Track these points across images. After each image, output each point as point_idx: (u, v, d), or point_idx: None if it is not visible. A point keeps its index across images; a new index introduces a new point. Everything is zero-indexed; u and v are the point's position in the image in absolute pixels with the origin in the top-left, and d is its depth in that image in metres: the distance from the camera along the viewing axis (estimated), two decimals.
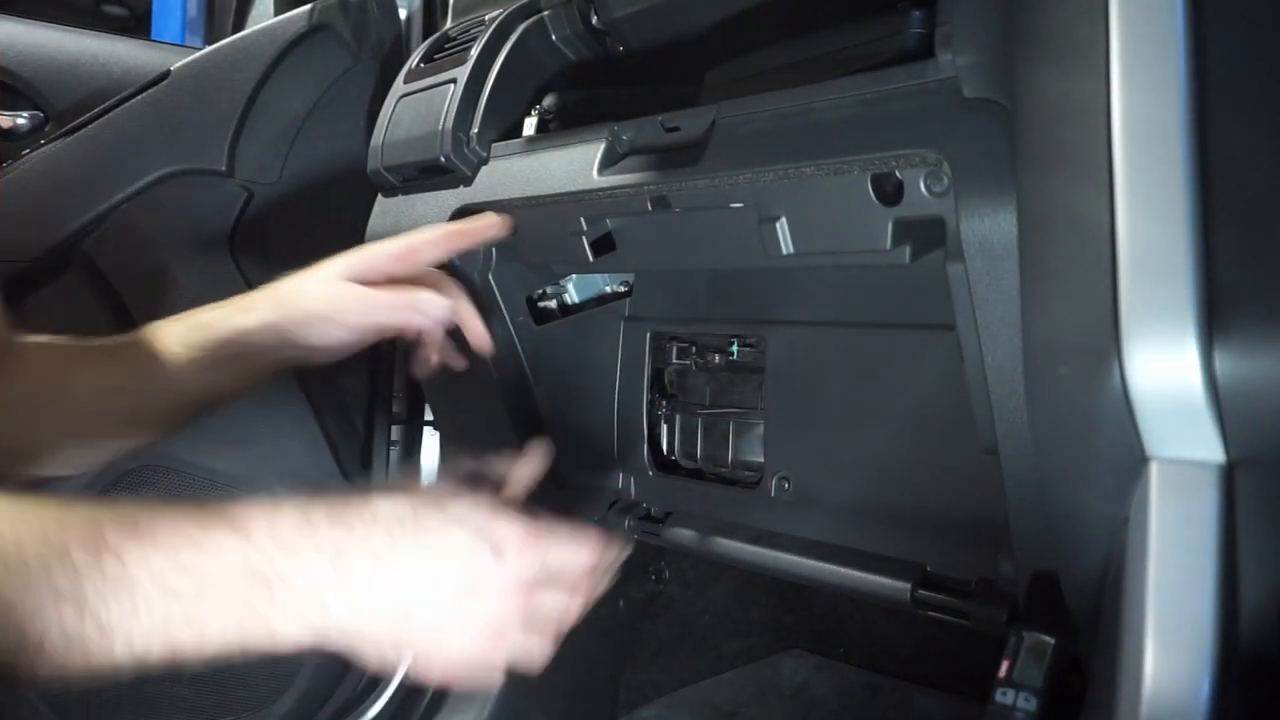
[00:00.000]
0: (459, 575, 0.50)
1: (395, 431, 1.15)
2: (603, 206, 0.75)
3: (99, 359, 0.71)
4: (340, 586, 0.47)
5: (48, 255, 1.00)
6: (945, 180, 0.55)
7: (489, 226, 0.79)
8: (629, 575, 1.21)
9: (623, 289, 0.98)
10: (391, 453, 1.14)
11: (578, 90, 0.86)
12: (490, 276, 0.87)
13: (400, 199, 0.92)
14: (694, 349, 0.94)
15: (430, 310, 0.76)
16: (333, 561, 0.47)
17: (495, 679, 0.54)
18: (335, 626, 0.47)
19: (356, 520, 0.49)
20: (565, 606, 0.58)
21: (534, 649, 0.56)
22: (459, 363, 0.83)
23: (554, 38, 0.87)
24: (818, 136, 0.59)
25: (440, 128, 0.83)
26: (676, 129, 0.69)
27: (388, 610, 0.49)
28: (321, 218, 1.13)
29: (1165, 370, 0.41)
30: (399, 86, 0.93)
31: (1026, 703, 0.52)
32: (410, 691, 1.16)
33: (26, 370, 0.69)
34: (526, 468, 0.68)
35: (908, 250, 0.61)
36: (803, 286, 0.84)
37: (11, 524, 0.42)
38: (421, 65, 0.92)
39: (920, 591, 0.72)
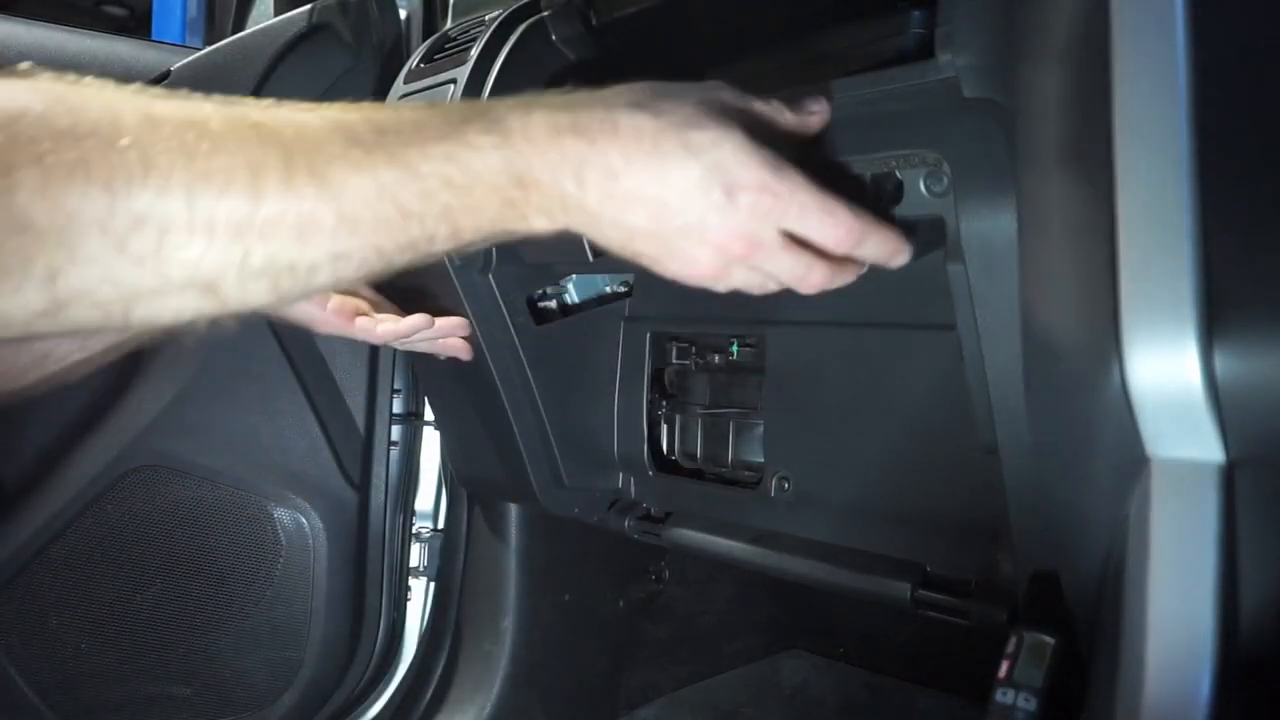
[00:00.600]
0: (681, 211, 0.49)
1: (395, 431, 1.15)
2: None
3: None
4: (579, 197, 0.48)
5: None
6: (945, 180, 0.55)
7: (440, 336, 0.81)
8: (629, 575, 1.21)
9: (623, 289, 0.98)
10: (392, 453, 1.14)
11: (578, 90, 0.86)
12: (490, 276, 0.87)
13: None
14: (694, 349, 0.95)
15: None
16: (574, 172, 0.48)
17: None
18: (575, 225, 0.49)
19: (599, 132, 0.48)
20: (802, 273, 0.53)
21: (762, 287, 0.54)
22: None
23: (554, 38, 0.87)
24: (817, 137, 0.59)
25: None
26: None
27: (617, 225, 0.49)
28: None
29: (1165, 370, 0.41)
30: (399, 87, 0.93)
31: (1026, 703, 0.52)
32: (410, 691, 1.16)
33: None
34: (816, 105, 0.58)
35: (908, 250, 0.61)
36: None
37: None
38: (421, 65, 0.92)
39: (920, 591, 0.72)
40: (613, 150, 0.48)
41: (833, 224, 0.51)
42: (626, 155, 0.48)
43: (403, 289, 0.96)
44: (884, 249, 0.54)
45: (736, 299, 0.90)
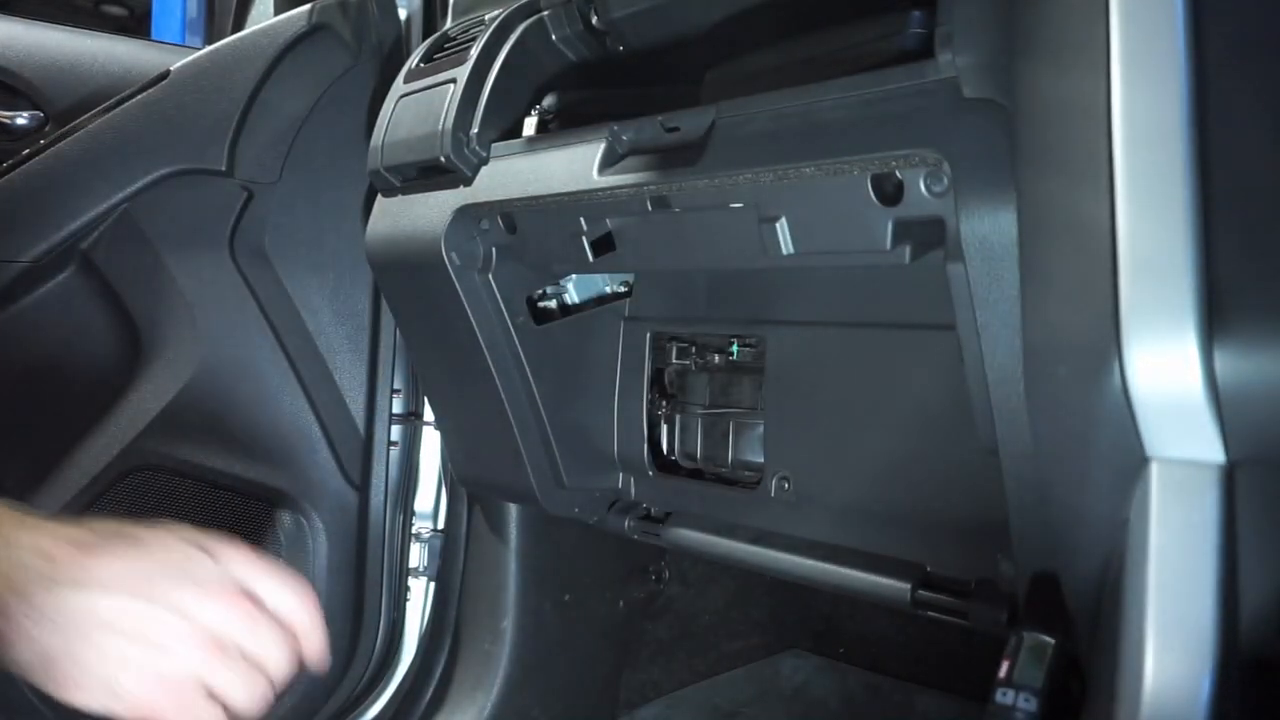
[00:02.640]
0: (170, 570, 0.46)
1: (395, 431, 1.15)
2: (603, 206, 0.75)
3: None
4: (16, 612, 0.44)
5: (47, 255, 1.00)
6: (945, 180, 0.55)
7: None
8: (629, 575, 1.21)
9: (623, 289, 0.98)
10: (392, 453, 1.14)
11: (578, 90, 0.86)
12: (490, 276, 0.87)
13: (400, 199, 0.91)
14: (694, 349, 0.94)
15: None
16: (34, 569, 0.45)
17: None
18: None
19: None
20: (274, 655, 0.52)
21: (247, 687, 0.51)
22: None
23: (554, 38, 0.87)
24: (818, 136, 0.59)
25: (440, 128, 0.83)
26: (676, 129, 0.69)
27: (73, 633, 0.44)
28: (321, 218, 1.12)
29: (1165, 370, 0.41)
30: (399, 86, 0.93)
31: (1026, 703, 0.52)
32: (410, 691, 1.16)
33: None
34: None
35: (908, 250, 0.61)
36: (803, 286, 0.84)
37: None
38: (421, 65, 0.92)
39: (920, 592, 0.72)
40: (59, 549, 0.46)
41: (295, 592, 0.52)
42: (50, 558, 0.46)
43: (403, 290, 0.96)
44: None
45: (736, 299, 0.90)
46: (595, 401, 0.97)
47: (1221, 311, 0.39)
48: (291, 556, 1.08)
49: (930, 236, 0.60)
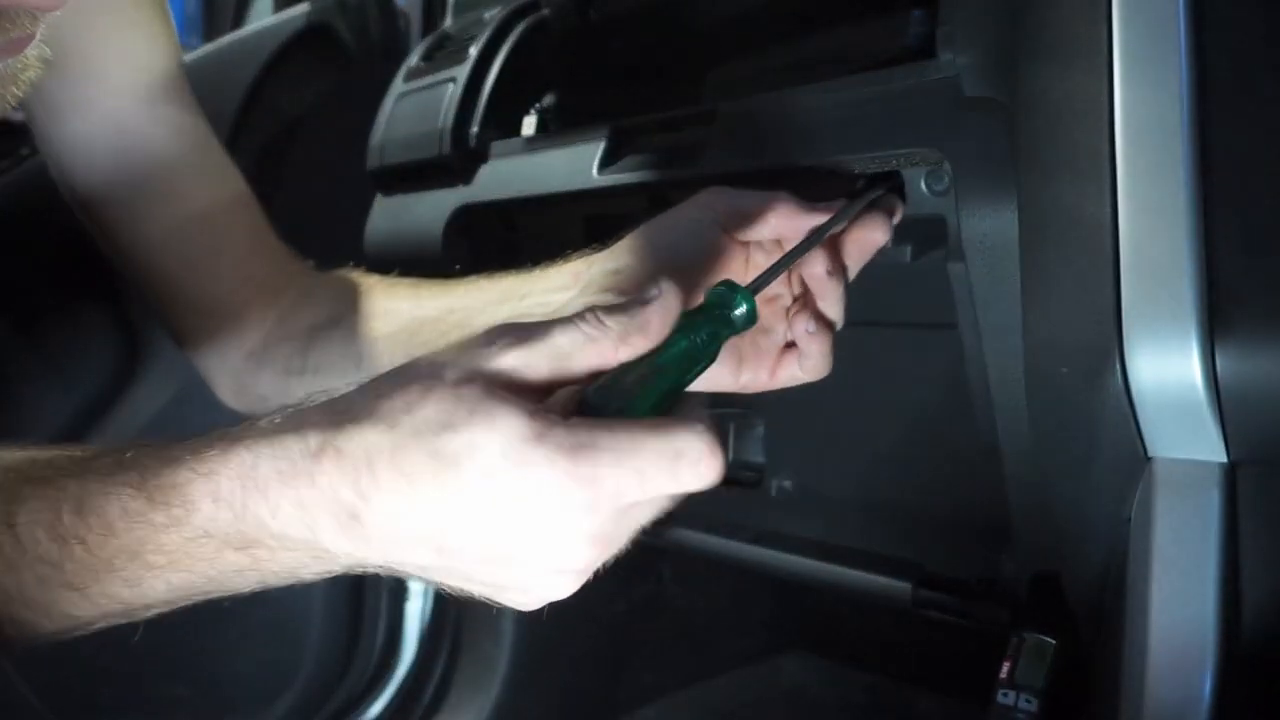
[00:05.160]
0: (475, 543, 0.36)
1: None
2: (603, 206, 0.75)
3: (411, 286, 0.69)
4: (322, 542, 0.37)
5: (47, 255, 1.00)
6: (946, 179, 0.55)
7: None
8: (629, 575, 1.21)
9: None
10: None
11: (578, 90, 0.86)
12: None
13: (400, 198, 0.91)
14: None
15: None
16: (302, 520, 0.36)
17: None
18: (350, 567, 0.38)
19: (315, 464, 0.36)
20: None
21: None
22: None
23: (554, 37, 0.87)
24: (818, 135, 0.59)
25: (440, 126, 0.83)
26: (676, 128, 0.69)
27: (403, 566, 0.37)
28: (322, 217, 1.12)
29: (1167, 370, 0.41)
30: (398, 85, 0.93)
31: (1028, 704, 0.52)
32: (410, 691, 1.16)
33: (341, 285, 0.71)
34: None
35: (908, 249, 0.61)
36: None
37: None
38: (421, 64, 0.92)
39: (921, 591, 0.72)
40: (341, 488, 0.36)
41: (682, 467, 0.35)
42: (360, 490, 0.35)
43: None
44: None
45: None
46: None
47: (1223, 311, 0.39)
48: None
49: (931, 235, 0.60)
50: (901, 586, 0.72)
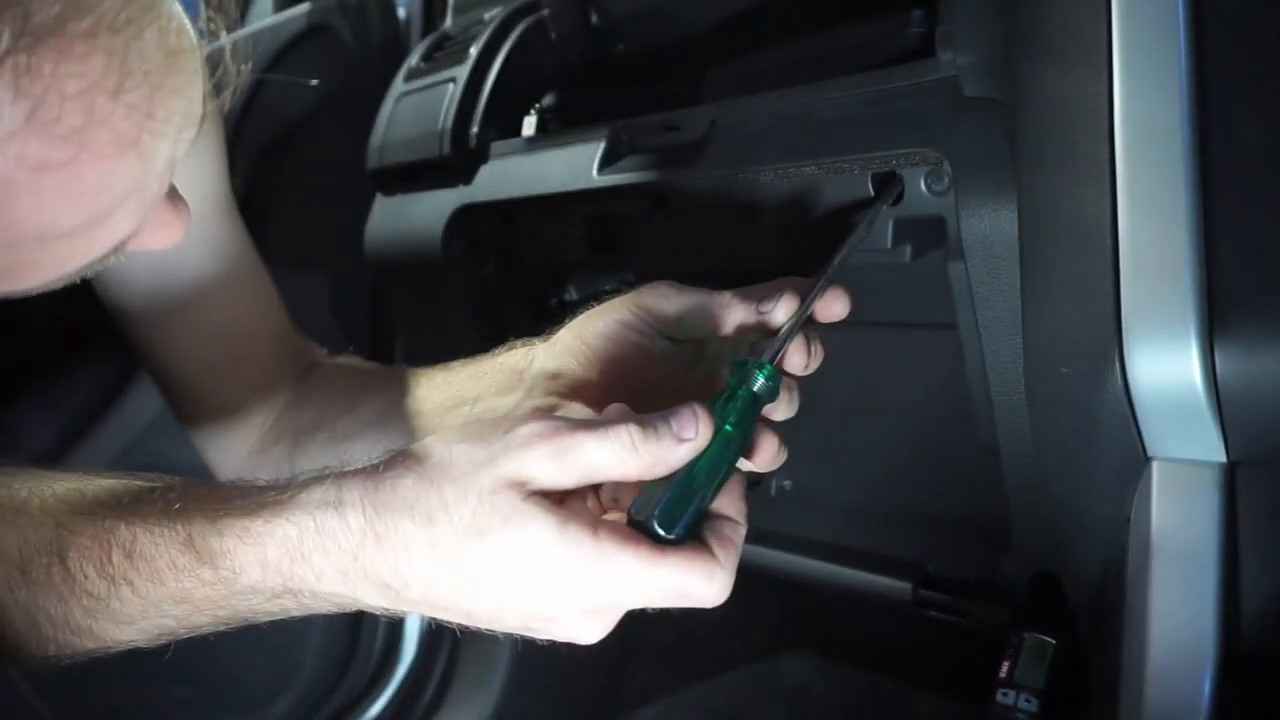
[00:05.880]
0: (505, 595, 0.40)
1: None
2: (603, 206, 0.75)
3: (382, 384, 0.71)
4: (367, 604, 0.42)
5: None
6: (946, 179, 0.55)
7: None
8: None
9: (623, 288, 0.98)
10: None
11: (578, 90, 0.86)
12: (490, 276, 0.87)
13: (400, 198, 0.91)
14: None
15: None
16: (347, 594, 0.41)
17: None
18: (399, 611, 0.43)
19: (359, 551, 0.40)
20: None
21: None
22: None
23: (554, 37, 0.87)
24: (818, 136, 0.59)
25: (440, 127, 0.83)
26: (676, 129, 0.69)
27: (443, 616, 0.43)
28: (322, 218, 1.12)
29: (1166, 370, 0.41)
30: (398, 85, 0.93)
31: (1027, 703, 0.52)
32: (410, 691, 1.16)
33: (326, 386, 0.73)
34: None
35: (908, 250, 0.61)
36: None
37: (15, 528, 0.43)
38: (421, 64, 0.92)
39: (921, 591, 0.72)
40: (381, 568, 0.40)
41: (678, 602, 0.40)
42: (398, 573, 0.40)
43: (403, 290, 0.96)
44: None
45: None
46: None
47: (1222, 311, 0.39)
48: None
49: (931, 236, 0.60)
50: (902, 586, 0.72)
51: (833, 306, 0.50)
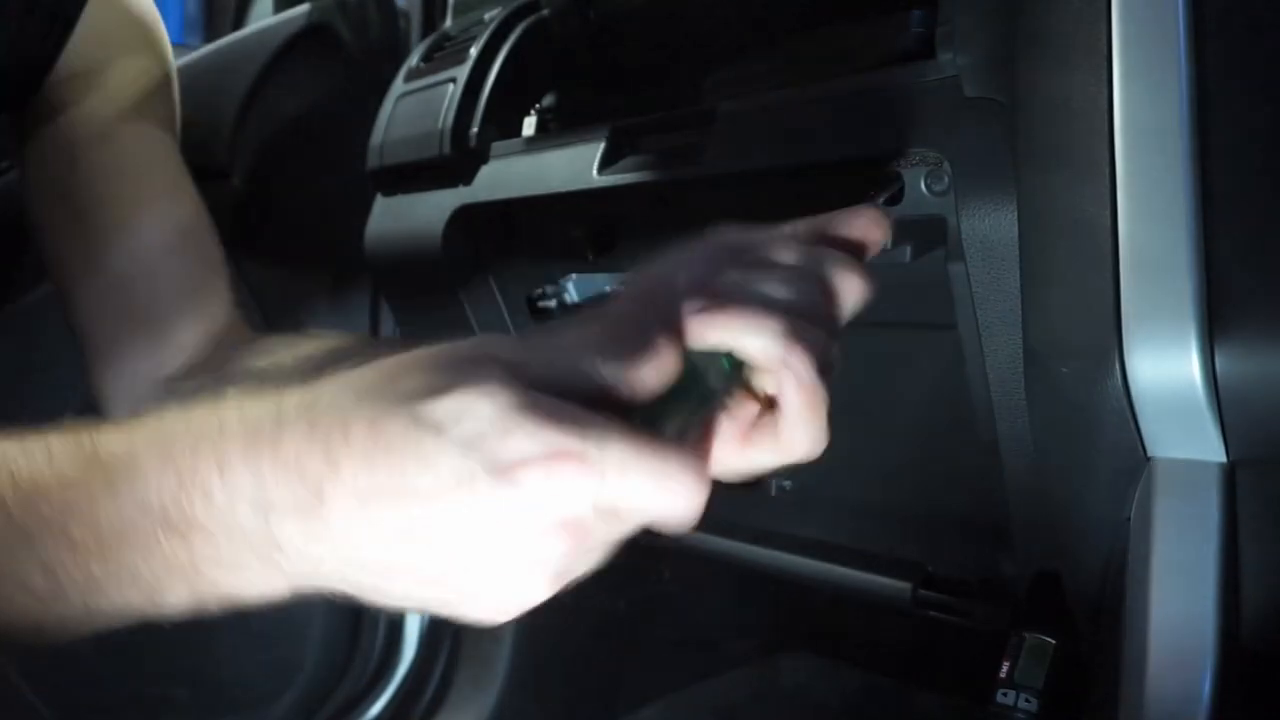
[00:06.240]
0: (440, 524, 0.31)
1: None
2: (603, 206, 0.75)
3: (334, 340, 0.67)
4: (270, 533, 0.32)
5: (37, 258, 1.00)
6: (946, 179, 0.55)
7: None
8: (629, 575, 1.21)
9: (623, 288, 0.98)
10: None
11: (578, 90, 0.86)
12: (490, 276, 0.87)
13: (400, 198, 0.91)
14: None
15: None
16: (252, 497, 0.32)
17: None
18: (297, 579, 0.34)
19: (285, 434, 0.32)
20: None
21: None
22: None
23: (554, 38, 0.87)
24: (818, 135, 0.59)
25: (440, 127, 0.83)
26: (676, 129, 0.69)
27: (355, 567, 0.33)
28: (321, 218, 1.12)
29: (1166, 370, 0.41)
30: (398, 85, 0.93)
31: (1027, 703, 0.52)
32: (410, 691, 1.16)
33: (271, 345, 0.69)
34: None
35: (908, 250, 0.61)
36: None
37: None
38: (421, 64, 0.92)
39: (921, 591, 0.72)
40: (308, 456, 0.32)
41: (666, 482, 0.32)
42: (330, 458, 0.31)
43: (403, 290, 0.96)
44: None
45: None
46: None
47: (1222, 311, 0.39)
48: None
49: (931, 236, 0.60)
50: (902, 586, 0.72)
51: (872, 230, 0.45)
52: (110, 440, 0.35)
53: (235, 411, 0.33)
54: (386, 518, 0.32)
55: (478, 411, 0.31)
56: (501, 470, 0.31)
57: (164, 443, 0.33)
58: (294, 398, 0.33)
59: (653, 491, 0.32)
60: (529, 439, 0.31)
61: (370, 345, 0.64)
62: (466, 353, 0.33)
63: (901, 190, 0.57)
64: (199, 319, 0.70)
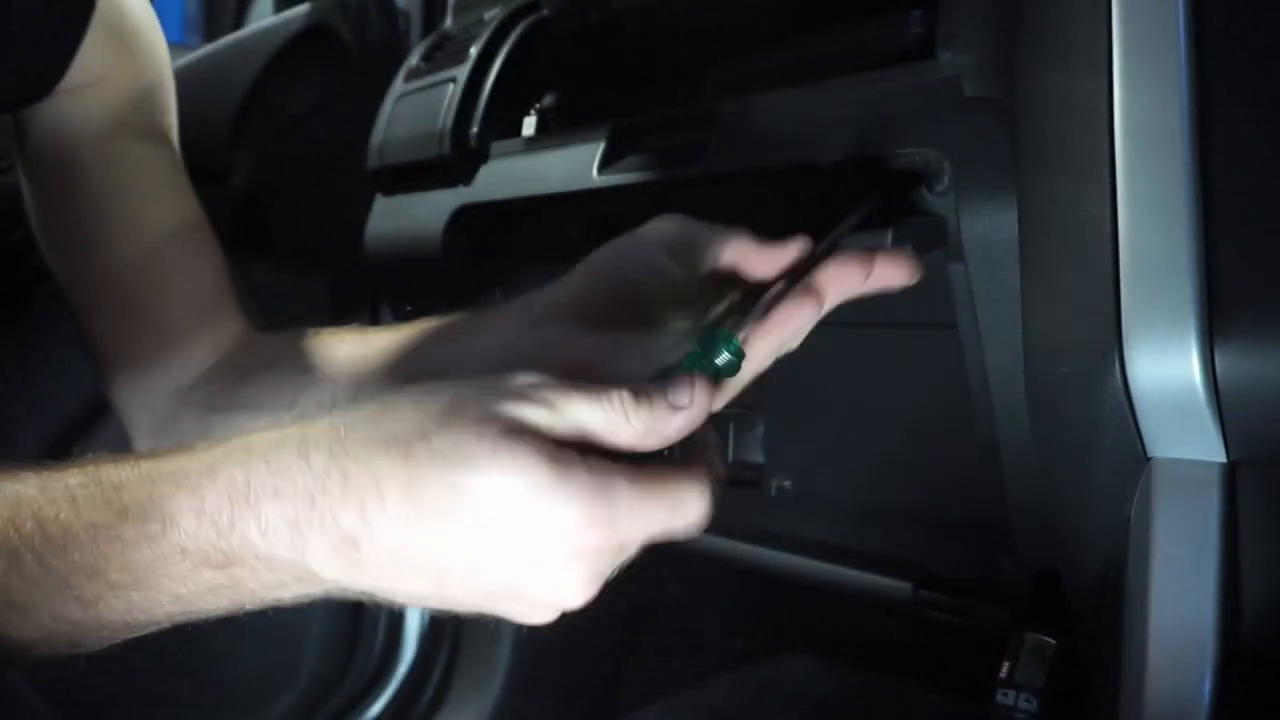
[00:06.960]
0: (479, 575, 0.35)
1: None
2: (603, 206, 0.75)
3: (332, 337, 0.66)
4: (318, 571, 0.35)
5: (28, 272, 1.00)
6: (946, 179, 0.55)
7: None
8: (629, 576, 1.21)
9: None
10: None
11: (578, 90, 0.86)
12: (490, 276, 0.87)
13: (400, 198, 0.91)
14: None
15: None
16: (295, 548, 0.35)
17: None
18: (335, 591, 0.37)
19: (316, 485, 0.34)
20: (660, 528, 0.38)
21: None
22: None
23: (554, 37, 0.87)
24: (818, 136, 0.59)
25: (440, 127, 0.83)
26: (676, 128, 0.69)
27: (393, 594, 0.37)
28: (321, 218, 1.12)
29: (1166, 369, 0.41)
30: (398, 85, 0.93)
31: (1027, 704, 0.52)
32: (410, 691, 1.16)
33: (274, 344, 0.69)
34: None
35: (908, 250, 0.61)
36: None
37: None
38: (421, 64, 0.92)
39: (921, 591, 0.72)
40: (343, 513, 0.34)
41: (679, 510, 0.38)
42: (366, 517, 0.34)
43: (402, 290, 0.96)
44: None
45: None
46: None
47: (1222, 311, 0.39)
48: None
49: (931, 235, 0.60)
50: (902, 586, 0.72)
51: (893, 271, 0.47)
52: (134, 488, 0.36)
53: (264, 464, 0.35)
54: (422, 564, 0.35)
55: (512, 488, 0.34)
56: (535, 540, 0.34)
57: (195, 496, 0.35)
58: (321, 450, 0.35)
59: (668, 527, 0.38)
60: (562, 516, 0.34)
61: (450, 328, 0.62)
62: (484, 414, 0.35)
63: (901, 191, 0.57)
64: (204, 327, 0.70)
